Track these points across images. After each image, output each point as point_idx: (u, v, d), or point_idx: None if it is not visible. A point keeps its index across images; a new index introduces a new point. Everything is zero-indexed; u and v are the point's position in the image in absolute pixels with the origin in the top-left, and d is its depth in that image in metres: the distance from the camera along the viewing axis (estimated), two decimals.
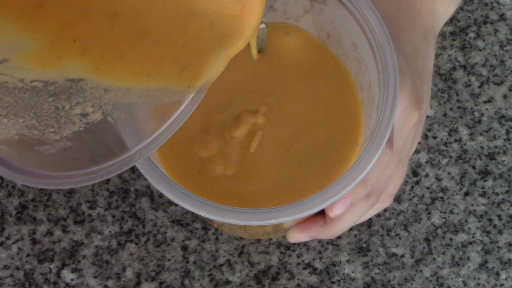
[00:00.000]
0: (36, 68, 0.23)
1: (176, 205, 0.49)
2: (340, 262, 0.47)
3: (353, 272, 0.47)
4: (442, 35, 0.52)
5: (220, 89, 0.41)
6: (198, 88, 0.29)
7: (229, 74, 0.39)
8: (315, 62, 0.42)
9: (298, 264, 0.47)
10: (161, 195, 0.49)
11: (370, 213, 0.42)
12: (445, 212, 0.49)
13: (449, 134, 0.50)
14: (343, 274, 0.47)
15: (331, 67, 0.42)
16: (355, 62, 0.41)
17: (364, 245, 0.48)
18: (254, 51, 0.39)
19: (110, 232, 0.48)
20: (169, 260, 0.48)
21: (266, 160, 0.40)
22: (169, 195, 0.34)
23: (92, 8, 0.23)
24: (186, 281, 0.47)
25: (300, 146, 0.40)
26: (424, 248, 0.48)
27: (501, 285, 0.47)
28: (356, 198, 0.38)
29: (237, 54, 0.39)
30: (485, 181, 0.49)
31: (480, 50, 0.52)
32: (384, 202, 0.42)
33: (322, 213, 0.41)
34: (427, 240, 0.48)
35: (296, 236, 0.43)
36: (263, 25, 0.43)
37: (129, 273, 0.47)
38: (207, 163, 0.40)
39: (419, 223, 0.48)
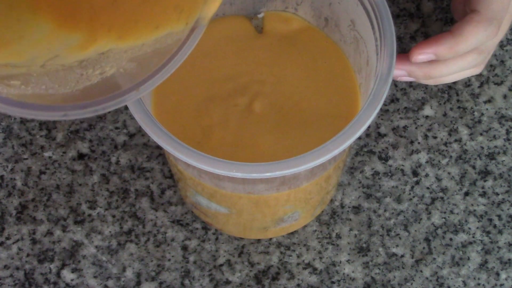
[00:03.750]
0: (78, 54, 0.28)
1: (176, 205, 0.49)
2: (340, 262, 0.47)
3: (353, 272, 0.47)
4: None
5: (227, 60, 0.43)
6: (195, 23, 0.31)
7: (233, 47, 0.43)
8: (314, 43, 0.44)
9: (298, 264, 0.47)
10: (161, 195, 0.49)
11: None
12: (445, 212, 0.49)
13: (449, 134, 0.50)
14: (343, 274, 0.47)
15: (329, 49, 0.44)
16: (352, 44, 0.41)
17: (364, 245, 0.48)
18: None
19: (110, 232, 0.48)
20: (169, 260, 0.48)
21: (265, 129, 0.41)
22: (164, 145, 0.34)
23: None
24: (186, 281, 0.47)
25: (301, 117, 0.41)
26: (424, 248, 0.48)
27: (501, 285, 0.47)
28: (444, 56, 0.39)
29: (239, 30, 0.43)
30: (485, 181, 0.49)
31: None
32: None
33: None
34: (427, 240, 0.48)
35: (422, 52, 0.41)
36: (261, 14, 0.44)
37: (129, 273, 0.47)
38: (208, 131, 0.41)
39: (419, 223, 0.48)
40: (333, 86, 0.43)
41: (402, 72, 0.41)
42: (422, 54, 0.40)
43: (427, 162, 0.50)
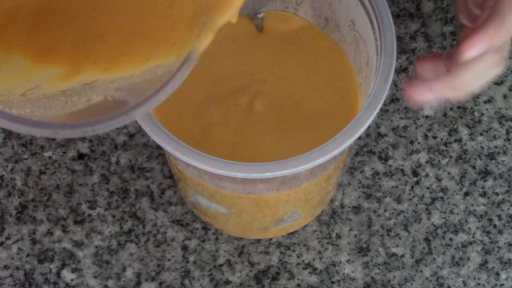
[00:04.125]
0: (60, 85, 0.28)
1: (176, 205, 0.49)
2: (340, 262, 0.47)
3: (353, 272, 0.47)
4: (442, 35, 0.52)
5: (227, 60, 0.43)
6: (186, 55, 0.31)
7: (234, 46, 0.43)
8: (314, 42, 0.44)
9: (298, 264, 0.47)
10: (161, 195, 0.49)
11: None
12: (445, 212, 0.49)
13: (449, 134, 0.50)
14: (343, 274, 0.47)
15: (330, 49, 0.43)
16: (352, 43, 0.41)
17: (364, 245, 0.48)
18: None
19: (110, 232, 0.48)
20: (169, 260, 0.48)
21: (265, 128, 0.41)
22: (164, 145, 0.34)
23: (88, 30, 0.28)
24: (186, 281, 0.47)
25: (301, 116, 0.41)
26: (424, 248, 0.48)
27: (501, 285, 0.47)
28: (493, 42, 0.35)
29: (240, 29, 0.43)
30: (485, 181, 0.49)
31: None
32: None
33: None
34: (427, 240, 0.48)
35: (472, 46, 0.36)
36: (261, 14, 0.44)
37: (129, 273, 0.47)
38: (208, 131, 0.41)
39: (419, 223, 0.48)
40: (333, 86, 0.42)
41: (427, 94, 0.37)
42: (472, 48, 0.35)
43: (427, 162, 0.50)
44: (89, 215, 0.49)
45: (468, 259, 0.48)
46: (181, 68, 0.31)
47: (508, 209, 0.49)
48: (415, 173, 0.50)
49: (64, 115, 0.29)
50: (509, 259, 0.48)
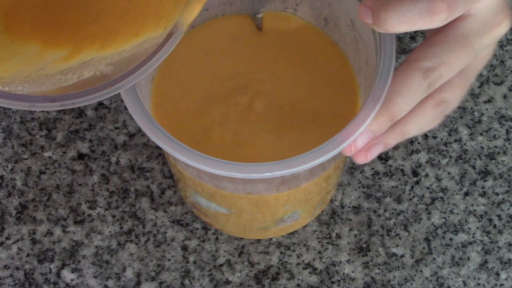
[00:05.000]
0: (62, 64, 0.29)
1: (176, 205, 0.49)
2: (340, 262, 0.47)
3: (353, 272, 0.47)
4: None
5: (227, 59, 0.43)
6: (172, 28, 0.32)
7: (233, 45, 0.43)
8: (313, 42, 0.44)
9: (298, 264, 0.47)
10: (161, 195, 0.49)
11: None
12: (445, 212, 0.49)
13: (449, 134, 0.50)
14: (343, 274, 0.47)
15: (329, 48, 0.43)
16: (352, 43, 0.41)
17: (364, 245, 0.48)
18: None
19: (110, 232, 0.48)
20: (169, 260, 0.48)
21: (265, 128, 0.41)
22: (163, 145, 0.34)
23: (87, 12, 0.29)
24: (186, 281, 0.47)
25: (300, 116, 0.41)
26: (424, 248, 0.48)
27: (501, 285, 0.47)
28: (379, 126, 0.35)
29: (239, 29, 0.44)
30: (485, 181, 0.49)
31: None
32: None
33: None
34: (427, 240, 0.48)
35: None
36: (260, 14, 0.44)
37: (129, 273, 0.47)
38: (207, 131, 0.41)
39: (419, 223, 0.48)
40: (333, 85, 0.42)
41: (380, 148, 0.36)
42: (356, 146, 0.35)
43: (427, 162, 0.50)
44: (89, 215, 0.49)
45: (468, 259, 0.48)
46: (167, 41, 0.31)
47: (508, 209, 0.49)
48: (415, 173, 0.49)
49: (51, 91, 0.30)
50: (509, 259, 0.48)
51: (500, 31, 0.35)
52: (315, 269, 0.47)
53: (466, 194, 0.49)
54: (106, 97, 0.30)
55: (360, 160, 0.36)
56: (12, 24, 0.28)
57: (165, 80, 0.43)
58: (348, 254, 0.48)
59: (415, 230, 0.48)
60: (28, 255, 0.48)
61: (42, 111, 0.51)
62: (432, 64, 0.34)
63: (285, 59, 0.43)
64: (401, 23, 0.32)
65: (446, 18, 0.32)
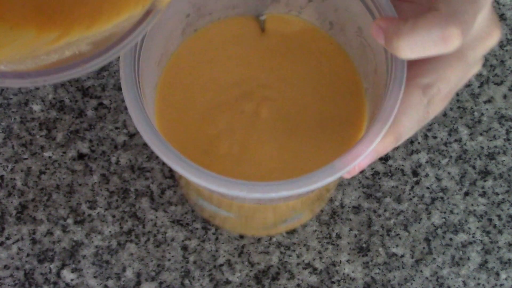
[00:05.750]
0: (51, 46, 0.30)
1: (176, 204, 0.49)
2: (340, 262, 0.47)
3: (353, 272, 0.47)
4: None
5: (231, 65, 0.42)
6: (150, 5, 0.32)
7: (237, 49, 0.43)
8: (318, 44, 0.43)
9: (298, 264, 0.47)
10: (161, 195, 0.49)
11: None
12: (445, 212, 0.49)
13: (449, 134, 0.50)
14: (343, 274, 0.47)
15: (334, 51, 0.43)
16: (359, 49, 0.40)
17: (364, 245, 0.48)
18: None
19: (110, 232, 0.48)
20: (169, 260, 0.48)
21: (272, 137, 0.40)
22: (166, 159, 0.34)
23: None
24: (186, 281, 0.47)
25: (307, 124, 0.41)
26: (424, 248, 0.48)
27: (501, 285, 0.47)
28: (385, 147, 0.35)
29: (243, 32, 0.43)
30: (485, 181, 0.49)
31: None
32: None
33: None
34: (427, 240, 0.48)
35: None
36: (264, 17, 0.43)
37: (129, 273, 0.47)
38: (214, 141, 0.40)
39: (419, 223, 0.48)
40: (338, 90, 0.42)
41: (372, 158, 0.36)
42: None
43: (427, 162, 0.50)
44: (89, 215, 0.49)
45: (468, 259, 0.48)
46: (145, 19, 0.31)
47: (508, 209, 0.49)
48: (415, 173, 0.50)
49: (29, 69, 0.30)
50: (509, 259, 0.48)
51: (492, 42, 0.35)
52: (315, 269, 0.47)
53: (466, 194, 0.49)
54: (78, 75, 0.30)
55: (350, 176, 0.36)
56: (3, 12, 0.28)
57: (168, 87, 0.42)
58: (348, 254, 0.48)
59: (415, 230, 0.48)
60: (28, 255, 0.48)
61: (42, 110, 0.51)
62: (430, 80, 0.35)
63: (290, 63, 0.43)
64: (413, 51, 0.32)
65: (459, 43, 0.32)
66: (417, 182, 0.49)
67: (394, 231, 0.48)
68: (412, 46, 0.32)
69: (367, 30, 0.38)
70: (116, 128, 0.51)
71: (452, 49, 0.32)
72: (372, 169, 0.49)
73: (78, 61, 0.30)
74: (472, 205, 0.49)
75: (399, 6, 0.37)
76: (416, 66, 0.35)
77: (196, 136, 0.40)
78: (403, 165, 0.50)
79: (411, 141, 0.50)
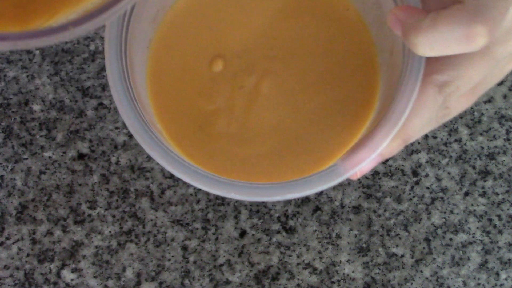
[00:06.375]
0: (41, 25, 0.29)
1: (176, 204, 0.49)
2: (340, 262, 0.47)
3: (353, 272, 0.47)
4: None
5: (232, 32, 0.38)
6: None
7: (241, 13, 0.38)
8: (334, 10, 0.38)
9: (298, 264, 0.47)
10: (161, 195, 0.49)
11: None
12: (445, 212, 0.49)
13: (449, 134, 0.50)
14: (343, 274, 0.47)
15: (350, 17, 0.38)
16: (376, 22, 0.36)
17: (364, 245, 0.48)
18: None
19: (110, 232, 0.48)
20: (169, 260, 0.48)
21: (273, 116, 0.37)
22: (158, 158, 0.31)
23: None
24: (186, 281, 0.47)
25: (311, 103, 0.37)
26: (424, 248, 0.48)
27: (501, 285, 0.47)
28: (391, 151, 0.32)
29: None
30: (485, 181, 0.49)
31: None
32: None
33: None
34: (427, 240, 0.48)
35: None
36: None
37: (129, 273, 0.47)
38: (210, 117, 0.37)
39: (419, 223, 0.48)
40: (351, 65, 0.37)
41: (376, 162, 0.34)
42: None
43: (427, 162, 0.50)
44: (89, 215, 0.49)
45: (468, 259, 0.48)
46: None
47: (508, 209, 0.49)
48: (415, 173, 0.50)
49: None
50: (509, 259, 0.48)
51: None
52: (315, 269, 0.47)
53: (466, 194, 0.49)
54: (64, 40, 0.28)
55: (354, 177, 0.34)
56: None
57: (163, 47, 0.38)
58: (348, 254, 0.48)
59: (415, 230, 0.48)
60: (28, 255, 0.48)
61: (42, 110, 0.51)
62: (448, 78, 0.32)
63: (298, 29, 0.38)
64: (433, 49, 0.29)
65: (485, 43, 0.28)
66: (417, 182, 0.49)
67: (394, 231, 0.48)
68: (432, 44, 0.29)
69: (386, 6, 0.34)
70: (116, 128, 0.51)
71: (477, 49, 0.29)
72: (372, 169, 0.50)
73: (63, 24, 0.28)
74: (472, 205, 0.49)
75: None
76: (433, 60, 0.32)
77: (191, 110, 0.37)
78: (403, 165, 0.50)
79: None
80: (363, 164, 0.31)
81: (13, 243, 0.48)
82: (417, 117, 0.32)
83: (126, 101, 0.31)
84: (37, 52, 0.50)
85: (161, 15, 0.37)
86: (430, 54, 0.30)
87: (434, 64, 0.32)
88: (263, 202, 0.48)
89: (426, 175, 0.49)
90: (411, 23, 0.30)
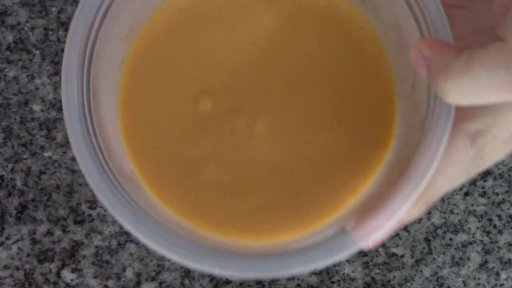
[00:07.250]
0: None
1: None
2: (340, 262, 0.47)
3: (353, 272, 0.47)
4: None
5: (224, 63, 0.31)
6: None
7: (234, 40, 0.31)
8: (345, 28, 0.32)
9: None
10: None
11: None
12: (445, 212, 0.49)
13: None
14: (343, 274, 0.47)
15: (365, 38, 0.31)
16: (395, 44, 0.30)
17: None
18: None
19: (110, 232, 0.48)
20: (169, 260, 0.48)
21: (270, 162, 0.31)
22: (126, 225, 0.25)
23: None
24: (186, 281, 0.47)
25: (315, 146, 0.31)
26: (424, 248, 0.48)
27: (501, 285, 0.47)
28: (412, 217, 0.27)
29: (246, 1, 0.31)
30: (485, 181, 0.49)
31: None
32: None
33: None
34: (427, 240, 0.48)
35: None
36: None
37: (129, 273, 0.47)
38: (196, 164, 0.31)
39: (419, 223, 0.48)
40: (363, 98, 0.31)
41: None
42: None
43: None
44: (89, 215, 0.49)
45: (468, 259, 0.48)
46: None
47: (508, 209, 0.49)
48: None
49: None
50: (509, 259, 0.48)
51: None
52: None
53: (466, 194, 0.49)
54: None
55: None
56: None
57: (139, 74, 0.31)
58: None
59: (415, 230, 0.48)
60: (28, 255, 0.48)
61: (42, 110, 0.51)
62: (483, 126, 0.26)
63: (300, 57, 0.31)
64: (466, 97, 0.23)
65: None
66: None
67: (394, 231, 0.48)
68: (465, 92, 0.23)
69: (408, 31, 0.28)
70: None
71: None
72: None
73: None
74: (472, 205, 0.49)
75: (447, 12, 0.27)
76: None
77: (173, 155, 0.31)
78: None
79: None
80: (378, 233, 0.26)
81: (13, 243, 0.48)
82: (444, 175, 0.26)
83: (87, 151, 0.25)
84: (37, 52, 0.50)
85: (135, 31, 0.31)
86: (462, 104, 0.24)
87: (465, 108, 0.26)
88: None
89: None
90: (439, 64, 0.24)
